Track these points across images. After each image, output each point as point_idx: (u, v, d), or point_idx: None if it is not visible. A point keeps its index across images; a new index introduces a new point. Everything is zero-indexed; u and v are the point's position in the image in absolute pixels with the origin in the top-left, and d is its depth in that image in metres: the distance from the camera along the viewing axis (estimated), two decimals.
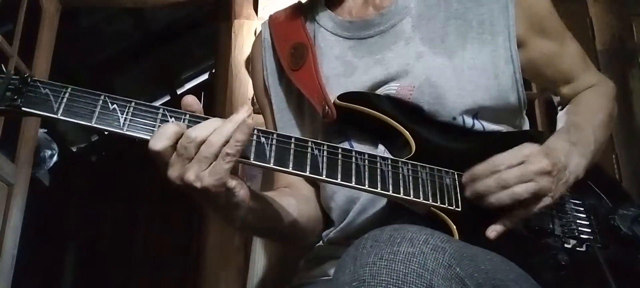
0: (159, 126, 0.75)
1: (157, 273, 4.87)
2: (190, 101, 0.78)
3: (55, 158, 3.50)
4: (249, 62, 2.58)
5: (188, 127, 0.74)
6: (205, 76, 5.28)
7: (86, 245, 5.02)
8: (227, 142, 0.73)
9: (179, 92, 5.35)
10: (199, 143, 0.72)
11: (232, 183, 0.75)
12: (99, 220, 5.16)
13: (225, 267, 2.53)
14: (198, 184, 0.73)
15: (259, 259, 1.19)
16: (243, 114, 0.75)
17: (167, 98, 5.35)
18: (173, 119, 0.76)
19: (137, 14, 4.08)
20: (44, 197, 3.55)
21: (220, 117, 0.76)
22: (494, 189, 0.81)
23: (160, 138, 0.73)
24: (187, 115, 0.77)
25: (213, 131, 0.73)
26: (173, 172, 0.74)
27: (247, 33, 2.80)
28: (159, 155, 0.73)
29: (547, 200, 0.83)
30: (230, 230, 2.54)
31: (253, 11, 2.86)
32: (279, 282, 1.15)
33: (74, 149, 5.04)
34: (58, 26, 2.87)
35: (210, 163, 0.72)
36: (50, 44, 2.81)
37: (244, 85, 2.70)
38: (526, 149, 0.84)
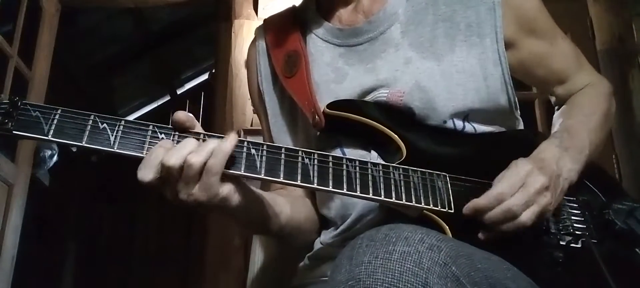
0: (148, 146, 0.76)
1: (157, 274, 4.86)
2: (182, 117, 0.79)
3: (55, 158, 3.49)
4: None
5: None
6: (205, 76, 5.28)
7: (86, 245, 5.01)
8: (208, 158, 0.74)
9: (179, 92, 5.35)
10: (179, 168, 0.73)
11: (224, 191, 0.76)
12: (99, 219, 5.16)
13: (225, 267, 2.53)
14: (191, 200, 0.75)
15: (258, 259, 1.19)
16: (230, 142, 0.76)
17: (167, 98, 5.35)
18: (163, 135, 0.78)
19: (137, 14, 4.09)
20: (44, 197, 3.55)
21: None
22: (502, 221, 0.80)
23: (149, 169, 0.74)
24: (177, 134, 0.78)
25: (190, 152, 0.74)
26: (167, 195, 0.76)
27: (247, 33, 2.80)
28: (151, 186, 0.74)
29: (547, 215, 0.83)
30: (230, 230, 2.55)
31: (253, 11, 2.86)
32: (278, 283, 1.15)
33: (74, 149, 5.04)
34: (58, 26, 2.87)
35: (197, 181, 0.74)
36: (50, 44, 2.81)
37: (244, 85, 2.70)
38: (522, 169, 0.82)
